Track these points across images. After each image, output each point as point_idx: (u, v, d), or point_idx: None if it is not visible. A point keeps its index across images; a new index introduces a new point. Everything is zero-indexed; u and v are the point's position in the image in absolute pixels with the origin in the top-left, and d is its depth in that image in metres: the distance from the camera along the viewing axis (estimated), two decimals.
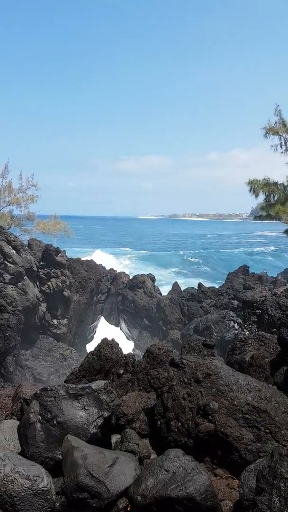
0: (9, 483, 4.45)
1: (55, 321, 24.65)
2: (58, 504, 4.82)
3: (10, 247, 23.01)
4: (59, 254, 25.34)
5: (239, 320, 18.37)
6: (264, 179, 29.04)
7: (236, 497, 4.84)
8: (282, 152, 28.33)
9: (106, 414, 5.77)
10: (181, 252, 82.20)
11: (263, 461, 4.47)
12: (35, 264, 24.02)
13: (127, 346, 26.99)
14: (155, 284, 31.24)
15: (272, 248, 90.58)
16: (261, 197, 29.38)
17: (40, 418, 5.55)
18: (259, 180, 28.98)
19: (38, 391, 5.84)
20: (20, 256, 23.09)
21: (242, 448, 5.44)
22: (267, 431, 5.52)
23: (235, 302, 21.32)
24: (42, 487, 4.51)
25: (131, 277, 31.88)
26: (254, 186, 28.86)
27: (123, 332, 31.16)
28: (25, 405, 6.00)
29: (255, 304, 19.06)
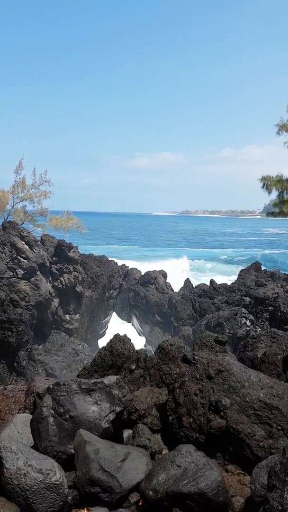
0: (22, 476, 4.50)
1: (67, 317, 24.75)
2: (70, 498, 4.86)
3: (23, 242, 23.13)
4: (72, 250, 25.42)
5: (251, 317, 18.31)
6: (277, 175, 28.83)
7: (248, 493, 4.84)
8: None
9: (118, 409, 5.80)
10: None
11: (274, 458, 4.46)
12: (47, 259, 24.13)
13: (138, 342, 27.03)
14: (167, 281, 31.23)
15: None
16: (274, 193, 29.18)
17: (53, 412, 5.59)
18: (272, 177, 28.78)
19: (51, 386, 5.88)
20: (33, 251, 23.20)
21: (254, 444, 5.44)
22: (279, 427, 5.52)
23: (247, 299, 21.25)
24: (55, 481, 4.54)
25: (143, 273, 31.88)
26: (267, 183, 28.66)
27: (134, 328, 31.20)
28: (38, 399, 6.05)
29: (267, 301, 18.99)
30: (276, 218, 32.75)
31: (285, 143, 28.38)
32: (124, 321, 31.95)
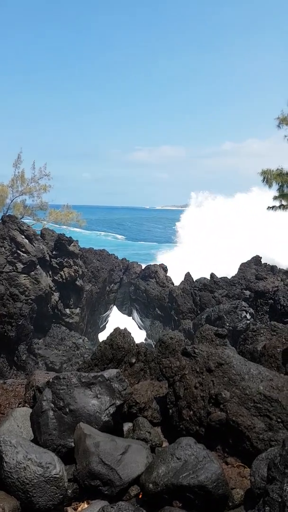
0: (22, 470, 4.49)
1: (67, 310, 24.76)
2: (70, 491, 4.86)
3: (23, 236, 23.10)
4: (72, 244, 25.40)
5: (251, 310, 18.31)
6: (277, 169, 28.78)
7: (248, 486, 4.85)
8: None
9: (118, 402, 5.80)
10: None
11: (274, 450, 4.47)
12: (47, 253, 24.11)
13: (139, 336, 27.07)
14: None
15: None
16: (274, 187, 29.14)
17: (53, 406, 5.60)
18: (272, 170, 28.73)
19: (51, 379, 5.88)
20: (33, 245, 23.18)
21: (254, 437, 5.45)
22: (279, 420, 5.52)
23: (247, 292, 21.25)
24: (54, 474, 4.54)
25: (143, 267, 31.90)
26: (267, 176, 28.61)
27: (135, 321, 31.25)
28: (37, 393, 6.06)
29: (267, 294, 19.01)
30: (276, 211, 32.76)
31: (286, 136, 28.32)
32: (124, 315, 31.98)
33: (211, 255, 42.14)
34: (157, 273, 30.40)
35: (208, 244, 48.95)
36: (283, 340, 7.82)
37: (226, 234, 50.70)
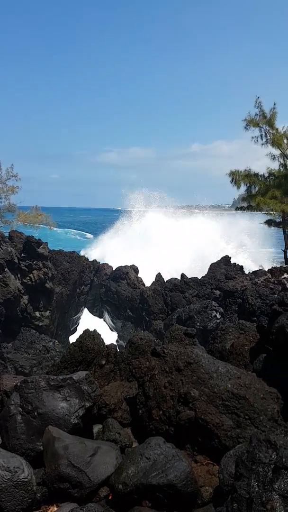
0: None
1: (37, 313, 24.52)
2: (39, 495, 4.83)
3: None
4: (41, 246, 25.17)
5: (221, 309, 18.49)
6: (245, 170, 29.19)
7: (216, 483, 4.89)
8: (262, 144, 28.48)
9: (87, 404, 5.79)
10: None
11: (242, 447, 4.52)
12: (16, 256, 23.82)
13: (110, 337, 27.02)
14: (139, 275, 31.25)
15: None
16: (243, 188, 29.56)
17: (21, 409, 5.55)
18: (240, 171, 29.13)
19: (19, 383, 5.83)
20: (1, 248, 22.89)
21: (222, 434, 5.50)
22: (246, 417, 5.59)
23: (217, 292, 21.43)
24: (23, 478, 4.50)
25: (114, 268, 31.84)
26: (236, 177, 29.01)
27: (106, 323, 31.16)
28: (5, 397, 5.99)
29: (236, 294, 19.22)
30: (245, 212, 33.22)
31: (253, 138, 28.76)
32: (95, 317, 31.86)
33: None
34: (128, 274, 30.39)
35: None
36: (251, 338, 7.93)
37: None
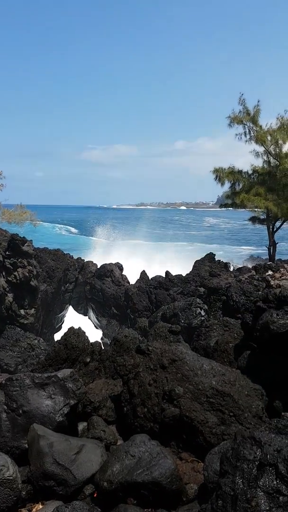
0: None
1: (22, 311, 24.35)
2: (24, 493, 4.83)
3: None
4: (26, 244, 25.00)
5: (206, 306, 18.52)
6: (229, 167, 29.25)
7: (201, 480, 4.91)
8: (246, 141, 28.55)
9: (72, 402, 5.79)
10: None
11: (226, 444, 4.55)
12: (0, 254, 23.65)
13: (95, 335, 26.95)
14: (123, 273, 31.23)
15: None
16: (227, 185, 29.63)
17: (6, 407, 5.53)
18: (224, 169, 29.19)
19: (3, 381, 5.81)
20: None
21: (207, 431, 5.53)
22: (231, 414, 5.63)
23: (202, 289, 21.45)
24: (8, 476, 4.49)
25: (99, 266, 31.77)
26: (220, 175, 29.04)
27: (91, 321, 31.07)
28: None
29: (220, 291, 19.26)
30: (229, 209, 33.32)
31: (237, 135, 28.83)
32: (80, 315, 31.77)
33: None
34: (112, 272, 30.34)
35: None
36: (235, 335, 7.98)
37: None
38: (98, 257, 37.47)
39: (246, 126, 28.36)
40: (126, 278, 30.41)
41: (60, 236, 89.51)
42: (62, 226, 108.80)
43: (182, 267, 29.48)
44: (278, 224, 29.15)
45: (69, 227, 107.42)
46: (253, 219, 32.01)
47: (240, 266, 28.98)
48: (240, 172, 29.15)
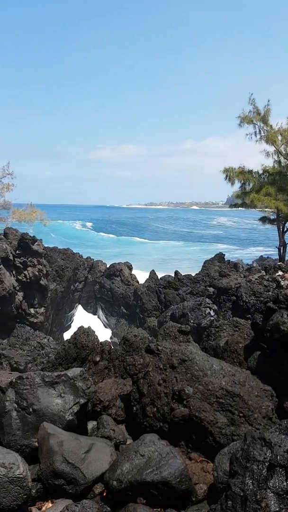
0: None
1: (32, 310, 24.47)
2: (34, 491, 4.85)
3: None
4: (36, 243, 25.11)
5: (215, 307, 18.50)
6: (239, 167, 29.16)
7: (211, 480, 4.92)
8: (256, 141, 28.45)
9: (82, 401, 5.80)
10: None
11: (236, 444, 4.54)
12: (11, 253, 23.76)
13: (104, 334, 27.01)
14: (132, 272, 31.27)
15: None
16: (237, 185, 29.54)
17: (16, 406, 5.56)
18: (234, 168, 29.10)
19: (14, 379, 5.83)
20: None
21: (216, 432, 5.53)
22: (241, 414, 5.62)
23: (211, 289, 21.44)
24: (18, 474, 4.51)
25: (108, 266, 31.84)
26: (230, 174, 28.96)
27: (100, 320, 31.15)
28: (0, 394, 5.99)
29: (230, 291, 19.24)
30: (239, 209, 33.22)
31: (247, 135, 28.74)
32: (90, 314, 31.85)
33: None
34: (121, 272, 30.39)
35: None
36: (245, 335, 7.95)
37: None
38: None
39: (256, 125, 28.27)
40: (135, 278, 30.45)
41: (102, 239, 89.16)
42: (107, 232, 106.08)
43: (191, 268, 29.48)
44: None
45: (117, 229, 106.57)
46: (263, 219, 31.88)
47: (250, 266, 28.89)
48: (250, 172, 29.04)
